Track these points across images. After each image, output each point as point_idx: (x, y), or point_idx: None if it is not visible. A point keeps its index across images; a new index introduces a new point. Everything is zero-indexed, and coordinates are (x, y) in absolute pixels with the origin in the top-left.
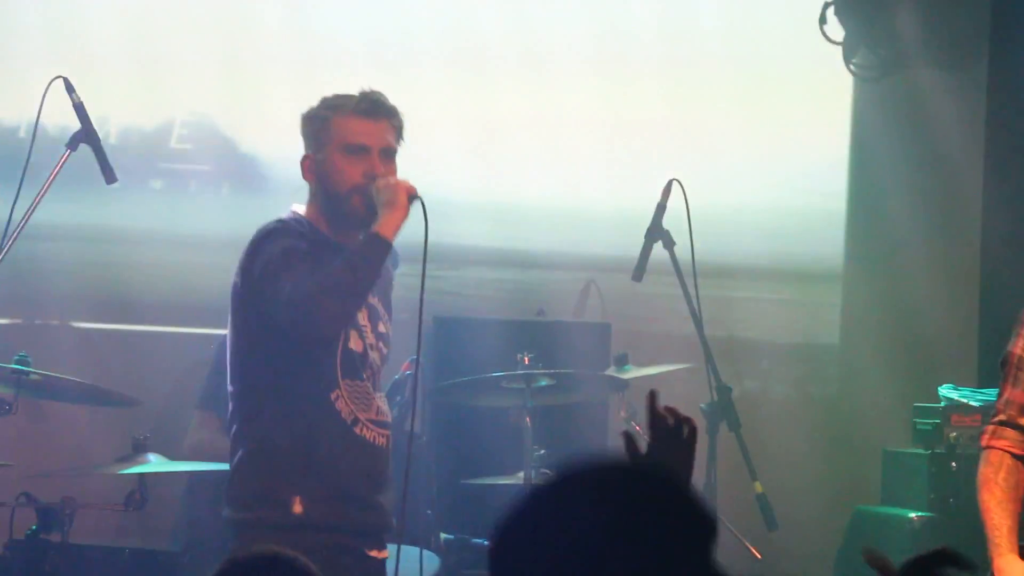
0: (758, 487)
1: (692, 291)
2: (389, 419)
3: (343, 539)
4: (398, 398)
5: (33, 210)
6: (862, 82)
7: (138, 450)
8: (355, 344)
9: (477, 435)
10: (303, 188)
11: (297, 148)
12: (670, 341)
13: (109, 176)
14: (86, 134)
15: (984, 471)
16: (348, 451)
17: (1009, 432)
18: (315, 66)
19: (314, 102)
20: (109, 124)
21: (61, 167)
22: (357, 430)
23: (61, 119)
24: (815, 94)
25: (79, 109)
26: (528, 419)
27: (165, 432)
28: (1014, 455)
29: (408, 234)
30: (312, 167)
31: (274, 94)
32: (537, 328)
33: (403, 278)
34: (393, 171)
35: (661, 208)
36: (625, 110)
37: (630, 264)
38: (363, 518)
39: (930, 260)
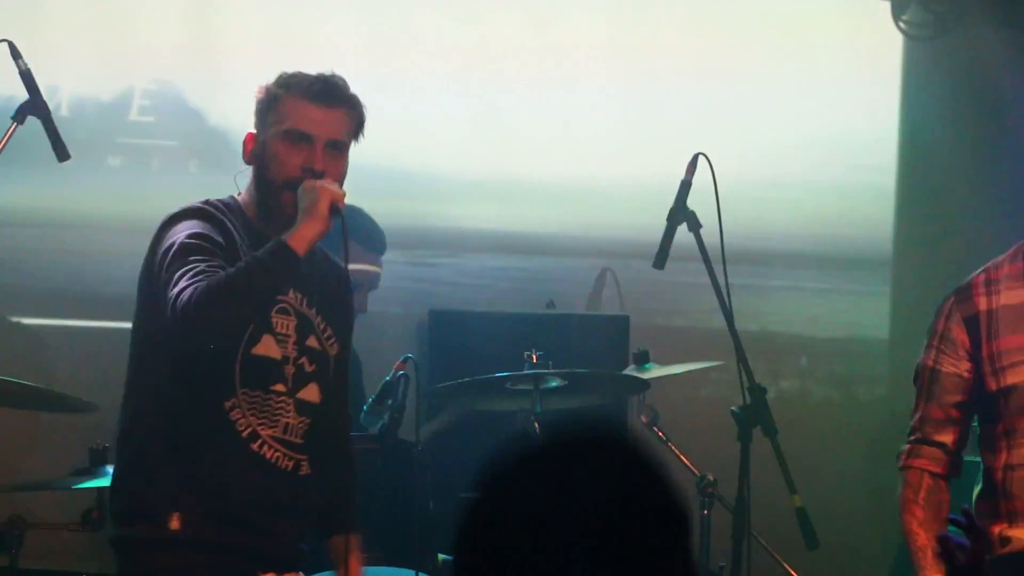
0: (797, 501)
1: (721, 279)
2: (304, 442)
3: (226, 561)
4: (389, 401)
5: None
6: (913, 42)
7: (96, 462)
8: (266, 350)
9: (479, 443)
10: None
11: None
12: (696, 336)
13: (61, 152)
14: (34, 105)
15: (904, 493)
16: (241, 469)
17: (926, 450)
18: (297, 28)
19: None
20: (60, 93)
21: (6, 142)
22: (255, 447)
23: (6, 88)
24: (860, 55)
25: (26, 77)
26: (536, 425)
27: None
28: (932, 473)
29: (406, 217)
30: (253, 148)
31: (248, 59)
32: (546, 322)
33: (399, 267)
34: (338, 168)
35: (686, 186)
36: (645, 76)
37: (651, 250)
38: (254, 543)
39: (991, 243)
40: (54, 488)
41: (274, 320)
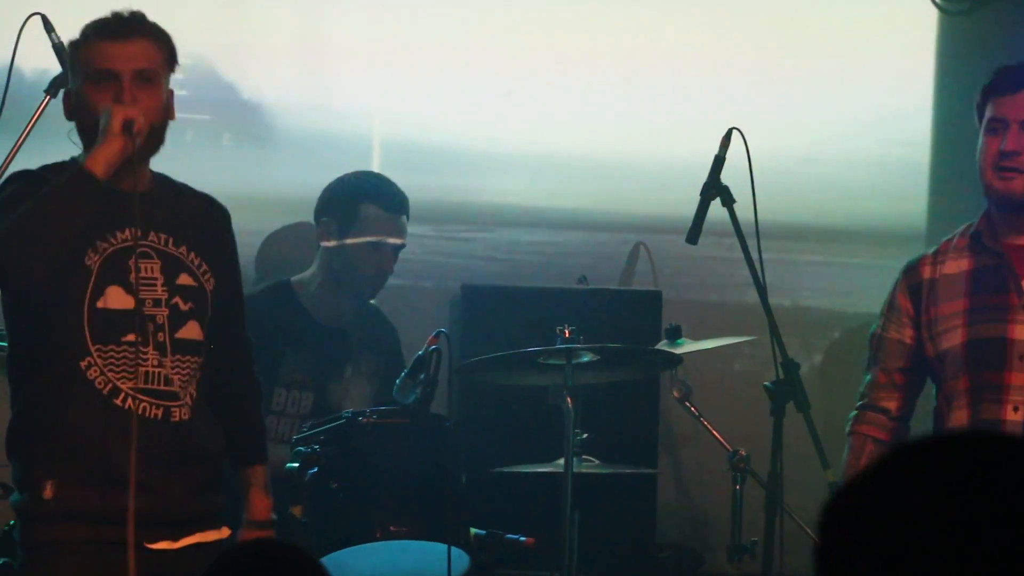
0: (830, 476)
1: (754, 255)
2: (175, 387)
3: (108, 531)
4: (422, 376)
5: (9, 163)
6: (948, 16)
7: None
8: (114, 302)
9: (511, 418)
10: (309, 138)
11: (306, 93)
12: (729, 311)
13: None
14: (67, 79)
15: (847, 459)
16: (107, 426)
17: (870, 415)
18: (322, 2)
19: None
20: None
21: (39, 116)
22: (118, 401)
23: (39, 61)
24: (894, 30)
25: (59, 50)
26: (569, 399)
27: None
28: (876, 439)
29: (439, 192)
30: (70, 103)
31: (281, 34)
32: (579, 297)
33: (431, 241)
34: (153, 99)
35: (719, 161)
36: (678, 49)
37: (684, 224)
38: (136, 505)
39: None
40: None
41: (132, 265)
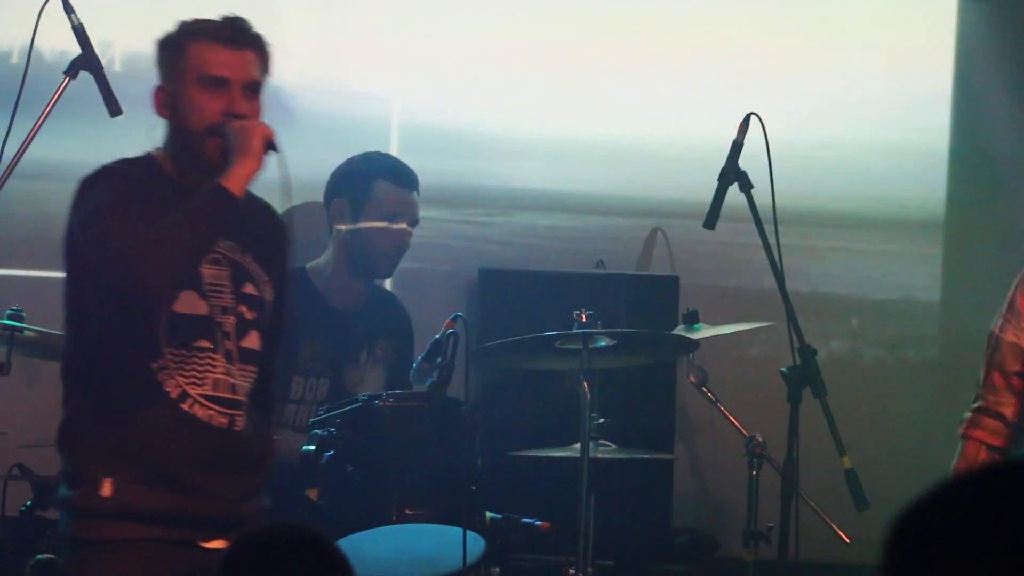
0: (846, 462)
1: (772, 240)
2: (239, 396)
3: (163, 530)
4: (438, 359)
5: (28, 145)
6: (968, 1)
7: None
8: (190, 307)
9: (528, 402)
10: (328, 121)
11: (325, 76)
12: (746, 296)
13: (113, 107)
14: (87, 60)
15: (957, 466)
16: (172, 431)
17: (986, 421)
18: None
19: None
20: (113, 49)
21: (59, 97)
22: (185, 407)
23: (59, 43)
24: (913, 14)
25: (79, 32)
26: (586, 384)
27: None
28: (990, 446)
29: (456, 175)
30: (166, 100)
31: (300, 17)
32: (596, 281)
33: (449, 225)
34: (257, 109)
35: (737, 146)
36: (696, 34)
37: (701, 210)
38: (193, 507)
39: None
40: None
41: (205, 272)
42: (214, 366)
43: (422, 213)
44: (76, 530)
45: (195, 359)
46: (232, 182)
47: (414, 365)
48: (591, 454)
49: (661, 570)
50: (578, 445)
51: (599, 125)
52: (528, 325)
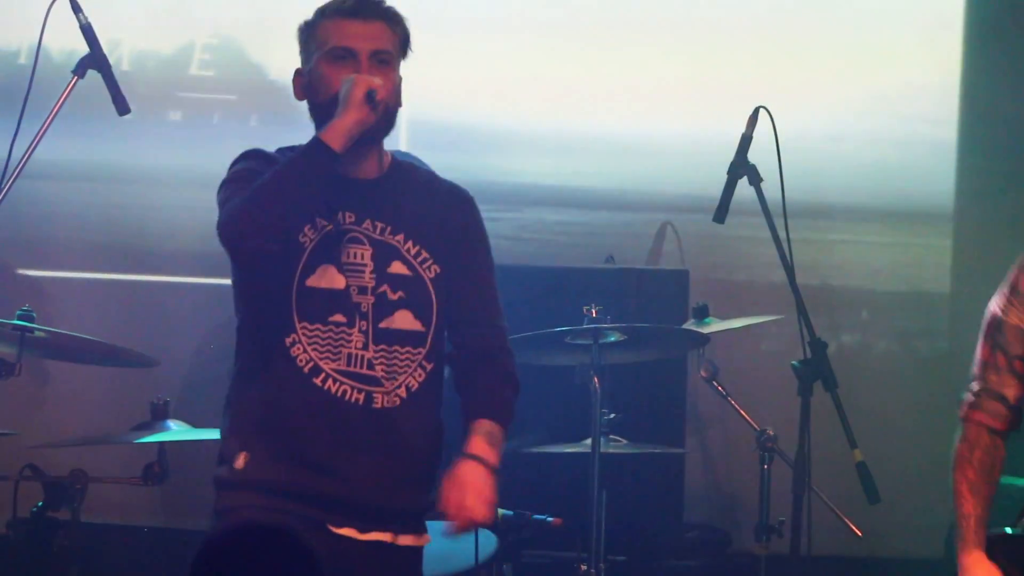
0: (858, 455)
1: (782, 233)
2: (378, 374)
3: (293, 505)
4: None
5: (36, 145)
6: None
7: (157, 416)
8: (323, 281)
9: (538, 398)
10: None
11: None
12: (756, 290)
13: (121, 106)
14: (95, 59)
15: (959, 448)
16: (304, 405)
17: (988, 403)
18: None
19: None
20: (121, 48)
21: (67, 96)
22: (318, 381)
23: (67, 42)
24: (920, 6)
25: (87, 31)
26: (596, 379)
27: (187, 396)
28: (991, 429)
29: (466, 171)
30: (303, 83)
31: (307, 13)
32: (606, 276)
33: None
34: (389, 79)
35: (746, 139)
36: (705, 28)
37: (711, 204)
38: (321, 486)
39: None
40: (116, 442)
41: (343, 249)
42: (348, 341)
43: None
44: (216, 501)
45: (330, 333)
46: (329, 134)
47: None
48: (602, 449)
49: (673, 565)
50: (589, 440)
51: (608, 120)
52: (538, 320)
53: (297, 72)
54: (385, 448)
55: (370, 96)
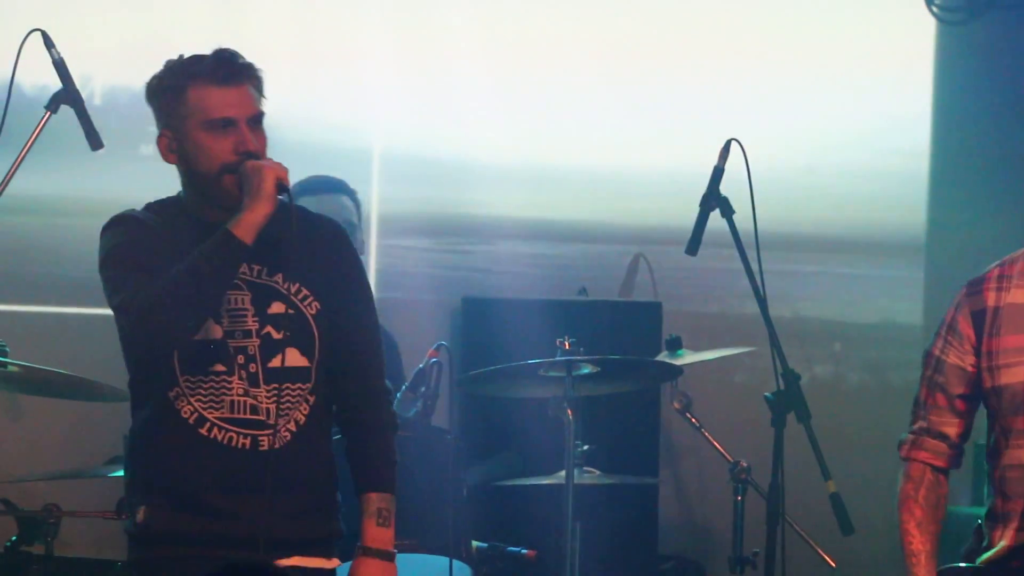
0: (831, 487)
1: (754, 265)
2: (262, 416)
3: (194, 550)
4: (422, 389)
5: (9, 180)
6: (946, 26)
7: None
8: (203, 333)
9: (512, 430)
10: (308, 150)
11: (306, 107)
12: (729, 322)
13: (95, 142)
14: (68, 94)
15: (904, 487)
16: (192, 455)
17: (929, 442)
18: (327, 17)
19: (160, 68)
20: (94, 82)
21: (40, 132)
22: (204, 431)
23: (39, 78)
24: (892, 40)
25: (59, 66)
26: (570, 412)
27: None
28: (934, 467)
29: (439, 204)
30: (171, 146)
31: (277, 49)
32: (579, 309)
33: (432, 254)
34: (263, 140)
35: (718, 172)
36: (677, 61)
37: (683, 236)
38: (222, 528)
39: None
40: (89, 476)
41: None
42: (229, 389)
43: (405, 242)
44: (128, 553)
45: (211, 383)
46: (241, 229)
47: (398, 395)
48: (576, 481)
49: None
50: (563, 472)
51: (580, 152)
52: (512, 353)
53: (162, 135)
54: (276, 486)
55: (280, 186)
